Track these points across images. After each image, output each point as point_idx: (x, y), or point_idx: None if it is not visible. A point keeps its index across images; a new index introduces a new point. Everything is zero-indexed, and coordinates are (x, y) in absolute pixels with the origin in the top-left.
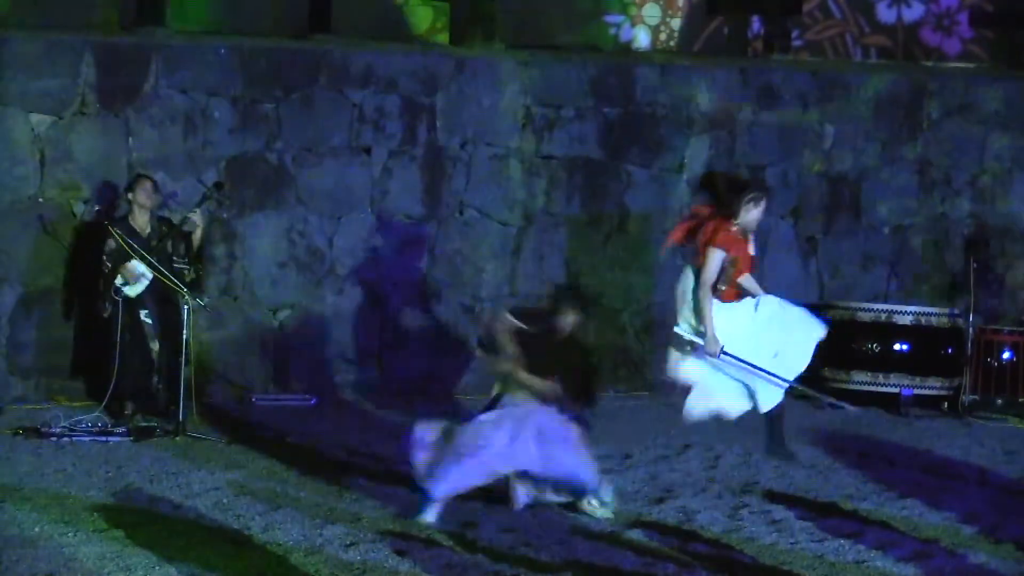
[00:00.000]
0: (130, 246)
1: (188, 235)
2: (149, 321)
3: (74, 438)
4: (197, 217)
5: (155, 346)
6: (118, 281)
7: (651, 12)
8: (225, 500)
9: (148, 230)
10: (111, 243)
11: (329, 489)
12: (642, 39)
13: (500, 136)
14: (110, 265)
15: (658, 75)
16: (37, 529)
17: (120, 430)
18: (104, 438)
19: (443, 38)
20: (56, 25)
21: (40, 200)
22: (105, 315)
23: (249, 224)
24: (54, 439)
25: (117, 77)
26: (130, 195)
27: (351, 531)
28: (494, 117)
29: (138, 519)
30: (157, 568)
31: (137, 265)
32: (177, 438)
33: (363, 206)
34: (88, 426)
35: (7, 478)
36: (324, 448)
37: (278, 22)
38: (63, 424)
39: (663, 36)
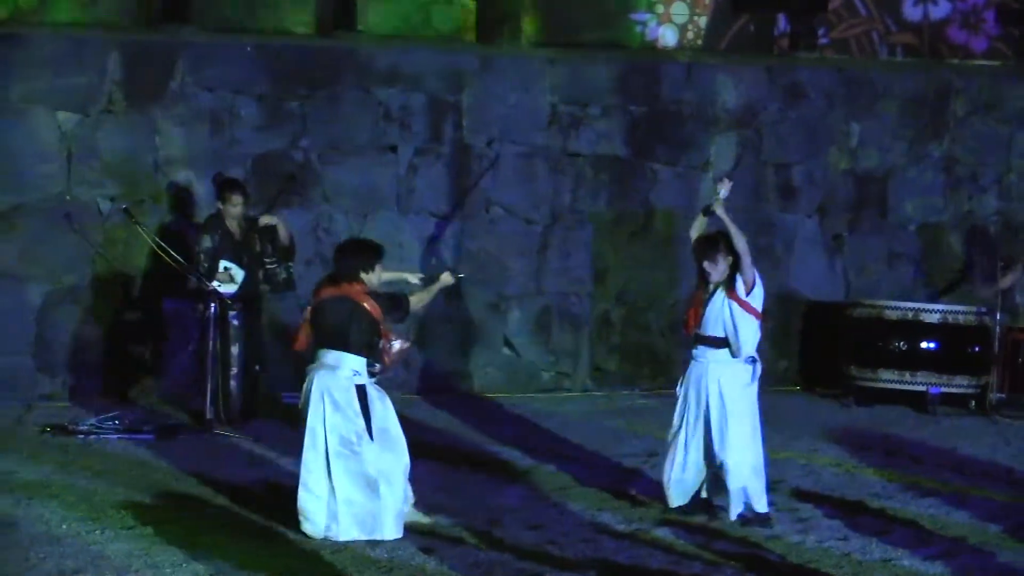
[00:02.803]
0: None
1: (273, 235)
2: (236, 323)
3: (101, 436)
4: (271, 218)
5: (235, 349)
6: (214, 282)
7: (678, 10)
8: (252, 497)
9: (239, 231)
10: (206, 242)
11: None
12: (669, 37)
13: (526, 134)
14: (206, 265)
15: (684, 73)
16: (64, 526)
17: (146, 428)
18: (130, 435)
19: (469, 36)
20: (83, 23)
21: (67, 198)
22: (198, 314)
23: (275, 214)
24: (81, 437)
25: (144, 75)
26: (219, 203)
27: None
28: (520, 115)
29: (165, 516)
30: (184, 565)
31: (230, 265)
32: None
33: (389, 204)
34: (115, 424)
35: (35, 475)
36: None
37: (304, 20)
38: (90, 422)
39: (690, 34)
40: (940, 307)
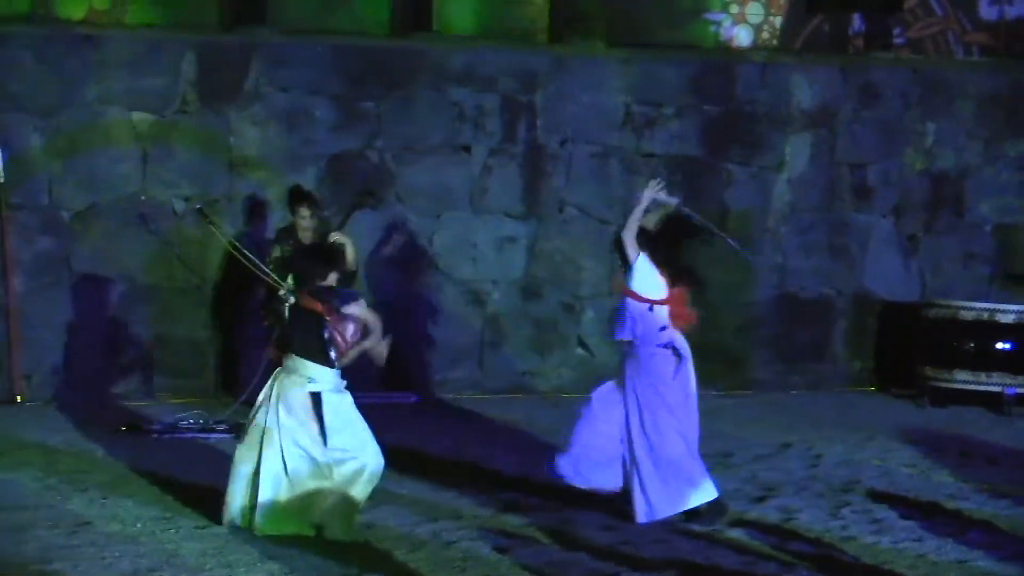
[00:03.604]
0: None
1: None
2: None
3: (176, 435)
4: (342, 238)
5: None
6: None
7: (754, 10)
8: None
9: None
10: (277, 252)
11: (430, 486)
12: (743, 37)
13: (599, 134)
14: (275, 276)
15: (759, 73)
16: (139, 525)
17: (221, 427)
18: (205, 435)
19: (543, 36)
20: (158, 24)
21: (142, 198)
22: (265, 323)
23: (350, 222)
24: (156, 436)
25: (218, 76)
26: (293, 214)
27: (452, 527)
28: (594, 115)
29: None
30: (258, 564)
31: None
32: None
33: (462, 204)
34: (190, 423)
35: (109, 475)
36: (424, 446)
37: (379, 21)
38: (166, 421)
39: (765, 34)
40: (1016, 308)
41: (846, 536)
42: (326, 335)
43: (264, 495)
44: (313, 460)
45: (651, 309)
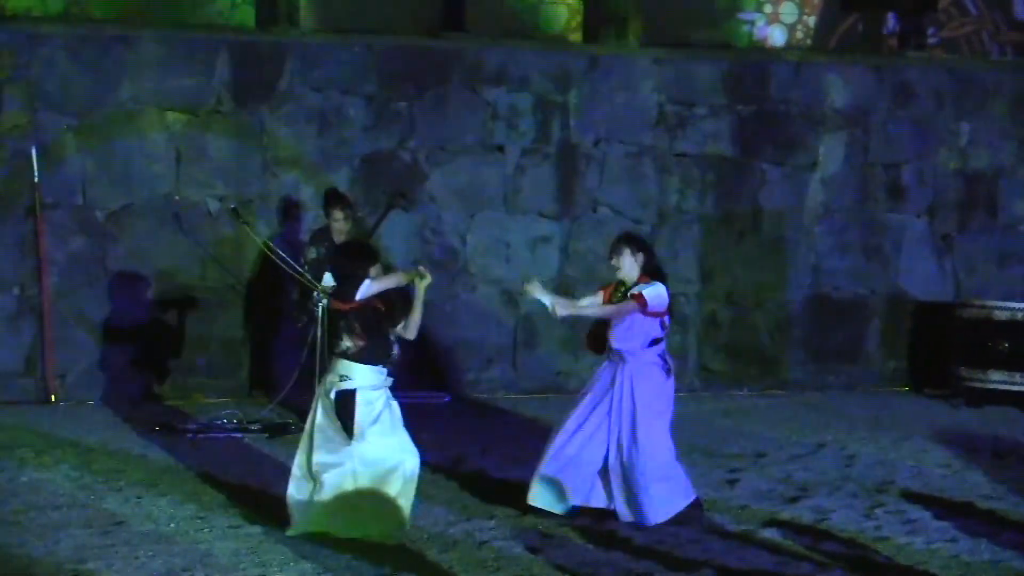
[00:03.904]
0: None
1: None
2: None
3: (210, 434)
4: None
5: None
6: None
7: (788, 10)
8: None
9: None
10: (312, 254)
11: (462, 486)
12: (777, 36)
13: (633, 134)
14: (310, 276)
15: (792, 72)
16: (173, 525)
17: (256, 427)
18: (239, 435)
19: (576, 36)
20: (192, 24)
21: (176, 198)
22: (299, 325)
23: (383, 222)
24: (190, 435)
25: (252, 76)
26: (327, 217)
27: (485, 527)
28: (628, 115)
29: (273, 515)
30: (292, 564)
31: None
32: None
33: (496, 204)
34: (224, 422)
35: (143, 474)
36: (457, 445)
37: (412, 21)
38: (200, 420)
39: (799, 34)
40: None
41: (880, 536)
42: (349, 331)
43: (297, 495)
44: (341, 461)
45: (659, 323)
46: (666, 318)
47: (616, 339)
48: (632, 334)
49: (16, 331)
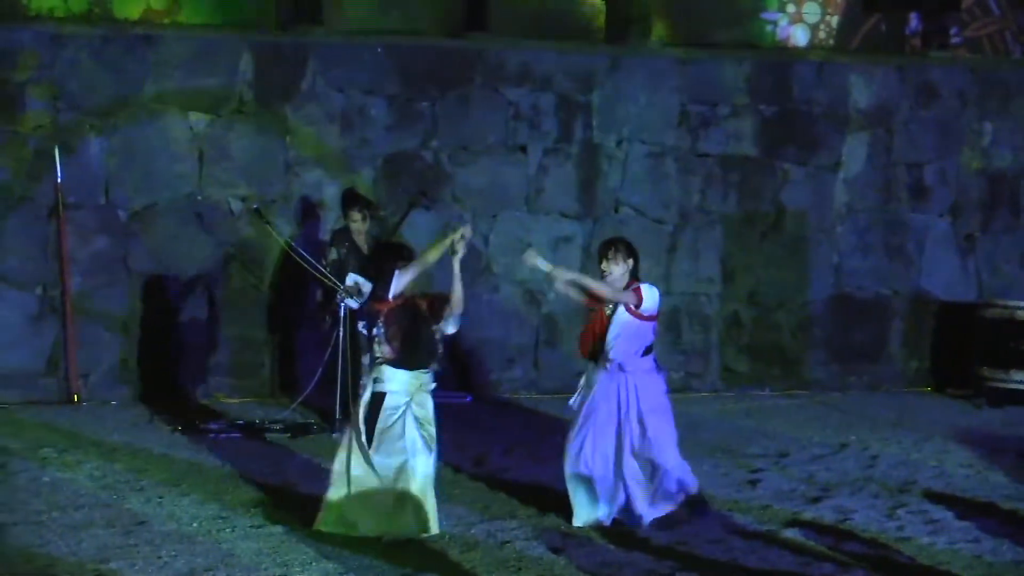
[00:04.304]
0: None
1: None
2: (365, 333)
3: (232, 434)
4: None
5: (366, 360)
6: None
7: (810, 10)
8: None
9: (366, 244)
10: (333, 255)
11: (484, 486)
12: (800, 36)
13: (656, 134)
14: (332, 278)
15: (815, 72)
16: (195, 524)
17: (278, 427)
18: (262, 435)
19: (599, 36)
20: (214, 24)
21: (198, 198)
22: (326, 326)
23: (405, 222)
24: (212, 435)
25: (275, 76)
26: (345, 218)
27: (507, 527)
28: (650, 115)
29: (295, 515)
30: (314, 564)
31: (358, 278)
32: (334, 435)
33: (518, 204)
34: (245, 423)
35: (165, 474)
36: (479, 445)
37: (435, 21)
38: (221, 421)
39: (822, 34)
40: None
41: (902, 537)
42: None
43: (331, 495)
44: (368, 461)
45: (652, 328)
46: (655, 324)
47: (613, 349)
48: (629, 343)
49: (39, 331)
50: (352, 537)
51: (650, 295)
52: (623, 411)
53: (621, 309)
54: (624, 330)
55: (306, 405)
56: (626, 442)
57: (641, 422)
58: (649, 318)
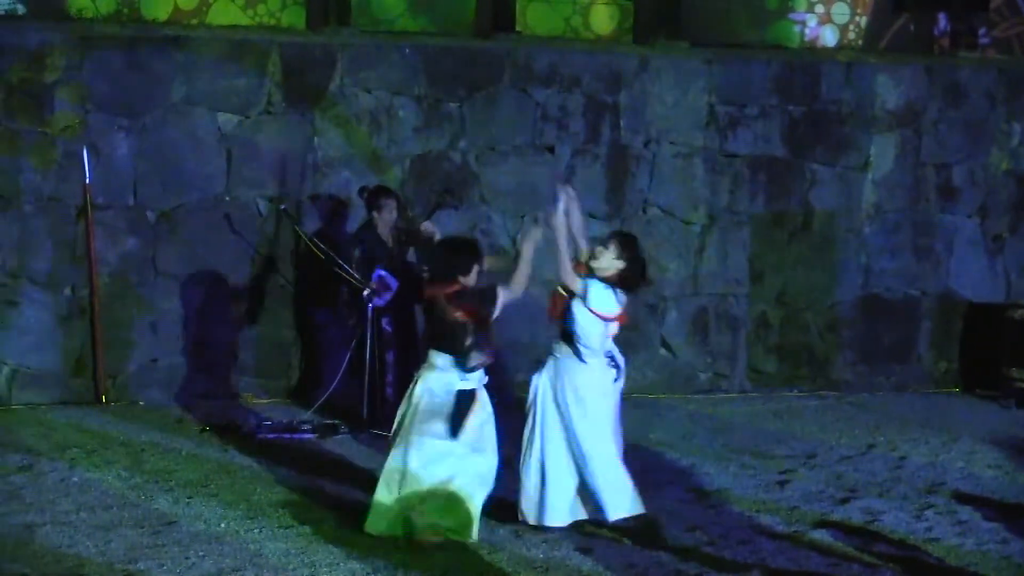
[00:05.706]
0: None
1: (428, 245)
2: (389, 329)
3: (260, 435)
4: (431, 226)
5: (390, 357)
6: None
7: (839, 10)
8: None
9: (392, 239)
10: (358, 252)
11: (510, 487)
12: (828, 37)
13: (684, 134)
14: (357, 275)
15: (843, 73)
16: (223, 525)
17: (306, 427)
18: (290, 435)
19: (627, 37)
20: (242, 25)
21: (227, 199)
22: (351, 323)
23: (433, 222)
24: (241, 436)
25: (303, 76)
26: (373, 212)
27: (533, 528)
28: (678, 115)
29: (323, 516)
30: (341, 565)
31: (384, 273)
32: (364, 433)
33: (546, 204)
34: (273, 423)
35: (194, 474)
36: (505, 447)
37: (463, 22)
38: (249, 421)
39: (851, 34)
40: None
41: (930, 538)
42: (470, 343)
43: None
44: (407, 461)
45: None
46: (608, 324)
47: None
48: (583, 333)
49: (67, 332)
50: (379, 538)
51: (596, 294)
52: (570, 401)
53: (578, 300)
54: (583, 322)
55: (332, 405)
56: (574, 432)
57: (586, 412)
58: (599, 315)
